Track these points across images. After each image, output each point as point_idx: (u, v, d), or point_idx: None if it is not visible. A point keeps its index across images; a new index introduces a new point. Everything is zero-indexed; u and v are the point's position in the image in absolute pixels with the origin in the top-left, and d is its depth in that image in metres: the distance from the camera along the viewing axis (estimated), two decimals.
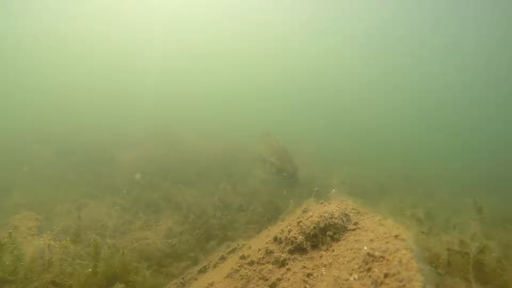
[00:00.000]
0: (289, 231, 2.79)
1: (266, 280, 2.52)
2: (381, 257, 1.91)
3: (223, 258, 3.66)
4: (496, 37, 42.94)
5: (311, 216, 2.77)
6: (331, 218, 2.64)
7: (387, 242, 2.04)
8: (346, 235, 2.56)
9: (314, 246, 2.60)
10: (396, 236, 2.08)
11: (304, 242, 2.63)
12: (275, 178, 8.84)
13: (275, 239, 2.86)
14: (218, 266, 3.52)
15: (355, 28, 52.04)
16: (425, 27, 46.54)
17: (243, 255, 2.96)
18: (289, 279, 2.38)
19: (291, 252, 2.65)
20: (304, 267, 2.42)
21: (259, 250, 2.89)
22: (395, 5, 42.54)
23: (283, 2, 48.78)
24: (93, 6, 47.20)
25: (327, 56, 62.09)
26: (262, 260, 2.75)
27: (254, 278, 2.62)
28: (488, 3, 35.37)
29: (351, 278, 1.93)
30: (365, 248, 2.10)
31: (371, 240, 2.20)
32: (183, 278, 3.81)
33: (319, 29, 54.52)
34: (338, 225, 2.61)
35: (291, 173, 8.82)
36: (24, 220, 5.35)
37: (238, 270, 2.81)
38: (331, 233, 2.58)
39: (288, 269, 2.50)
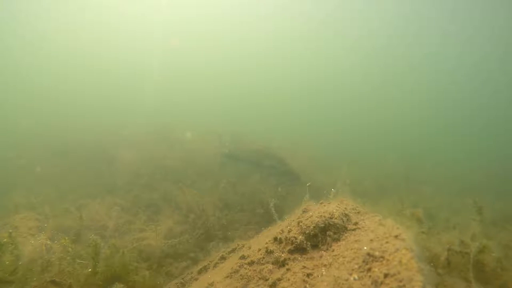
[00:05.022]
0: (289, 231, 2.79)
1: (266, 280, 2.52)
2: (381, 257, 1.91)
3: (223, 258, 3.65)
4: (502, 37, 42.77)
5: (311, 216, 2.77)
6: (331, 218, 2.63)
7: (387, 242, 2.04)
8: (346, 235, 2.56)
9: (314, 246, 2.59)
10: (396, 236, 2.07)
11: (304, 242, 2.63)
12: (279, 180, 8.99)
13: (275, 239, 2.85)
14: (218, 266, 3.52)
15: (356, 29, 52.03)
16: (435, 27, 46.33)
17: (243, 255, 2.96)
18: (289, 279, 2.38)
19: (291, 252, 2.64)
20: (304, 267, 2.42)
21: (259, 250, 2.88)
22: (404, 5, 42.33)
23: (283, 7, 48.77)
24: (94, 3, 47.18)
25: (329, 58, 62.12)
26: (262, 260, 2.74)
27: (254, 278, 2.62)
28: (499, 2, 34.95)
29: (351, 278, 1.92)
30: (365, 248, 2.09)
31: (371, 240, 2.20)
32: (183, 278, 3.81)
33: (319, 30, 54.49)
34: (338, 225, 2.61)
35: (295, 174, 9.07)
36: (24, 220, 5.35)
37: (238, 270, 2.81)
38: (331, 233, 2.57)
39: (288, 269, 2.49)
